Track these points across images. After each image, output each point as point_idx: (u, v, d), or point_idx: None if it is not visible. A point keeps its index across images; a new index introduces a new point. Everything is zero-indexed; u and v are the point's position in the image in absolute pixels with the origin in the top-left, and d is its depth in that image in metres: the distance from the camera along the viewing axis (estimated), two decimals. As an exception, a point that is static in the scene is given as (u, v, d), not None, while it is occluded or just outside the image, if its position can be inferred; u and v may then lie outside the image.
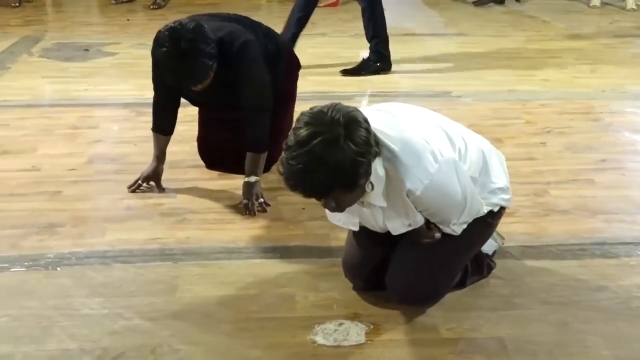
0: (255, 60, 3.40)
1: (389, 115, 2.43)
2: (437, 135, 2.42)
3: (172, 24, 3.20)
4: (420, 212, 2.44)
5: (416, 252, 2.57)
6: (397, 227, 2.51)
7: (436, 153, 2.33)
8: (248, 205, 3.36)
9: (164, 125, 3.57)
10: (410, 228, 2.50)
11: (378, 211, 2.46)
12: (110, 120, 4.59)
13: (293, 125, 2.23)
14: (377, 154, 2.25)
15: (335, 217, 2.60)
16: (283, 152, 2.21)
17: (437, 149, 2.35)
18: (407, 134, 2.35)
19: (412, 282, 2.57)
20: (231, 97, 3.41)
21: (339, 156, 2.14)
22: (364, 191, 2.29)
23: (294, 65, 3.82)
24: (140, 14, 7.80)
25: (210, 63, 3.18)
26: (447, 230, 2.51)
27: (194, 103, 3.69)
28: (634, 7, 8.14)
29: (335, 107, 2.20)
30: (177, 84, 3.32)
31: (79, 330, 2.51)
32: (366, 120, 2.22)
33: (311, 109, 2.24)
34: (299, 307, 2.66)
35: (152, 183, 3.58)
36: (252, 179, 3.39)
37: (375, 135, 2.24)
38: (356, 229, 2.60)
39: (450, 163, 2.37)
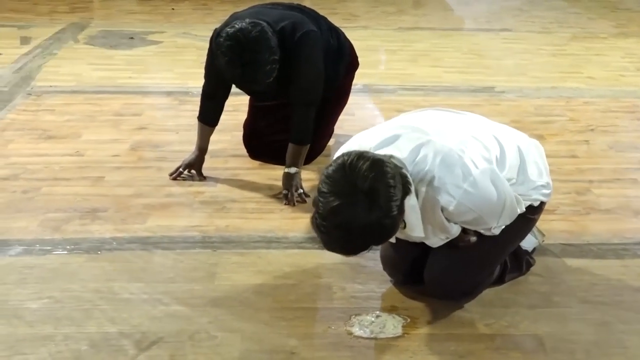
0: (313, 53, 3.38)
1: (419, 134, 2.38)
2: (470, 146, 2.38)
3: (235, 30, 3.13)
4: (457, 223, 2.44)
5: (454, 247, 2.55)
6: (435, 242, 2.51)
7: (469, 166, 2.31)
8: (287, 195, 3.37)
9: (209, 116, 3.59)
10: (447, 240, 2.50)
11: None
12: (154, 108, 4.63)
13: (319, 186, 2.19)
14: (407, 194, 2.22)
15: None
16: (314, 210, 2.19)
17: (470, 162, 2.32)
18: (440, 151, 2.31)
19: (450, 276, 2.56)
20: (286, 89, 3.42)
21: (367, 223, 2.12)
22: (397, 230, 2.28)
23: (355, 64, 3.79)
24: (185, 3, 7.84)
25: (274, 67, 3.18)
26: (487, 233, 2.49)
27: (248, 94, 3.69)
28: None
29: (357, 165, 2.13)
30: (240, 87, 3.36)
31: (118, 314, 2.54)
32: (392, 176, 2.14)
33: (332, 164, 2.19)
34: (336, 298, 2.67)
35: (193, 171, 3.61)
36: (293, 170, 3.41)
37: (402, 177, 2.19)
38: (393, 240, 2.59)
39: (486, 173, 2.34)
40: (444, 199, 2.30)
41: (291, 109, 3.44)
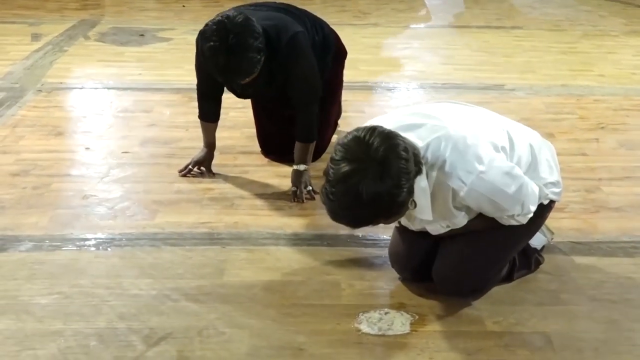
0: (305, 54, 3.38)
1: (430, 119, 2.39)
2: (482, 135, 2.38)
3: (220, 17, 3.16)
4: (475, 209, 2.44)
5: (463, 244, 2.56)
6: (436, 229, 2.52)
7: (481, 153, 2.31)
8: (296, 192, 3.37)
9: (208, 113, 3.59)
10: (449, 229, 2.51)
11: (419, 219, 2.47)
12: (163, 105, 4.64)
13: (331, 155, 2.22)
14: (418, 173, 2.24)
15: None
16: (324, 180, 2.22)
17: (483, 150, 2.32)
18: (450, 136, 2.32)
19: (459, 274, 2.56)
20: (274, 90, 3.42)
21: (377, 193, 2.13)
22: (407, 210, 2.29)
23: (342, 54, 3.79)
24: (195, 1, 7.86)
25: (258, 57, 3.15)
26: (512, 222, 2.48)
27: (238, 96, 3.63)
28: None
29: (372, 136, 2.17)
30: (224, 79, 3.28)
31: (127, 310, 2.55)
32: (405, 149, 2.18)
33: (348, 135, 2.22)
34: (344, 295, 2.67)
35: (202, 168, 3.62)
36: (301, 167, 3.42)
37: (415, 155, 2.21)
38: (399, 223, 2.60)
39: (498, 161, 2.34)
40: (455, 184, 2.30)
41: (289, 114, 3.48)
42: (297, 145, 3.44)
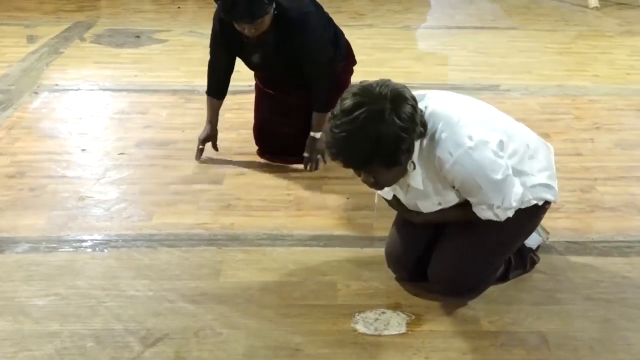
0: (316, 27, 3.47)
1: (435, 95, 2.43)
2: (480, 122, 2.39)
3: None
4: (458, 190, 2.43)
5: (459, 243, 2.57)
6: (428, 206, 2.51)
7: (474, 132, 2.31)
8: (310, 158, 3.51)
9: (216, 88, 3.71)
10: (440, 207, 2.50)
11: (412, 189, 2.46)
12: (159, 107, 4.64)
13: (342, 95, 2.26)
14: (421, 134, 2.26)
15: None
16: (329, 120, 2.24)
17: (476, 130, 2.33)
18: (448, 109, 2.35)
19: (455, 273, 2.57)
20: (281, 59, 3.47)
21: (382, 129, 2.15)
22: (405, 170, 2.30)
23: (350, 59, 3.80)
24: (191, 2, 7.85)
25: (267, 1, 3.25)
26: (490, 214, 2.46)
27: (249, 65, 3.70)
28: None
29: (384, 83, 2.24)
30: (232, 17, 3.34)
31: (124, 311, 2.56)
32: (413, 98, 2.24)
33: (361, 82, 2.27)
34: (340, 295, 2.67)
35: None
36: (318, 134, 3.54)
37: (421, 116, 2.25)
38: (389, 197, 2.60)
39: (489, 145, 2.33)
40: (442, 155, 2.30)
41: (293, 103, 3.61)
42: (315, 115, 3.56)
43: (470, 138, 2.30)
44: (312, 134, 3.59)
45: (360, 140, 2.17)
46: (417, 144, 2.30)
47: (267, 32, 3.37)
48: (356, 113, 2.16)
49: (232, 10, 3.27)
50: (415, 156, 2.33)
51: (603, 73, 5.50)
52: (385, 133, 2.16)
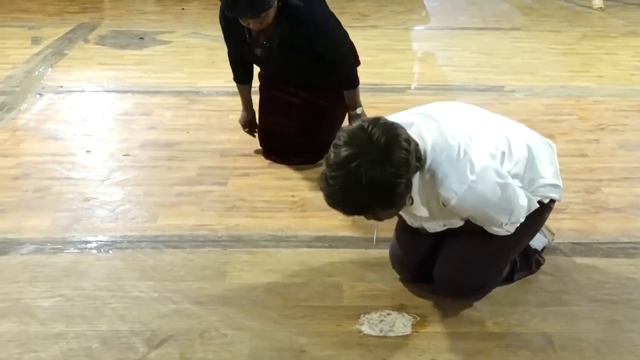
0: (321, 19, 3.50)
1: (431, 121, 2.39)
2: (478, 141, 2.39)
3: None
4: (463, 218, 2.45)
5: (464, 245, 2.56)
6: (433, 227, 2.53)
7: (474, 163, 2.31)
8: None
9: (242, 75, 3.82)
10: (446, 228, 2.52)
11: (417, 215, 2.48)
12: (164, 108, 4.64)
13: (334, 141, 2.24)
14: (418, 169, 2.26)
15: None
16: (324, 166, 2.23)
17: (476, 158, 2.32)
18: (447, 142, 2.32)
19: (460, 275, 2.57)
20: (287, 51, 3.49)
21: (376, 178, 2.15)
22: (404, 205, 2.30)
23: (355, 58, 3.80)
24: (195, 3, 7.86)
25: None
26: (501, 232, 2.48)
27: (254, 60, 3.73)
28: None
29: (375, 125, 2.20)
30: (235, 13, 3.36)
31: (129, 312, 2.56)
32: (407, 140, 2.20)
33: (351, 123, 2.27)
34: (345, 297, 2.67)
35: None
36: (358, 110, 3.63)
37: (416, 150, 2.24)
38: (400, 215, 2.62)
39: (490, 170, 2.34)
40: (446, 194, 2.30)
41: (297, 103, 3.68)
42: (346, 94, 3.63)
43: (472, 171, 2.30)
44: (351, 112, 3.65)
45: (356, 191, 2.18)
46: (417, 175, 2.30)
47: (270, 24, 3.39)
48: (350, 166, 2.15)
49: (234, 6, 3.30)
50: (415, 190, 2.33)
51: (607, 74, 5.49)
52: (380, 182, 2.15)
